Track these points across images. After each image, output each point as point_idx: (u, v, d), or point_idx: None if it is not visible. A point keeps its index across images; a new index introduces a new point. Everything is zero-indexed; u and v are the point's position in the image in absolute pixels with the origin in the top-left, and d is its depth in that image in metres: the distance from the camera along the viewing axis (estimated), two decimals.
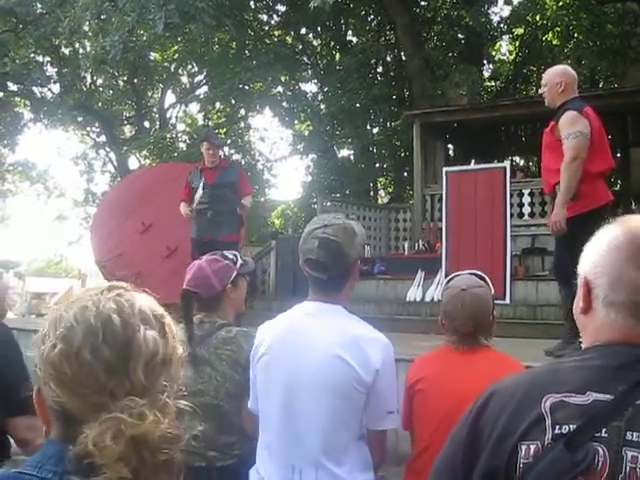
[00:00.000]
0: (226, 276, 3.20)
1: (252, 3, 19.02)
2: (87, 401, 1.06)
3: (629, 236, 1.37)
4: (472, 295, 2.90)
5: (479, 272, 3.10)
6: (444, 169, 11.55)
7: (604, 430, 1.22)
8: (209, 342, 3.05)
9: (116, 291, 1.16)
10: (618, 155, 14.42)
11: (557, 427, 1.25)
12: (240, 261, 3.30)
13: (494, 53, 21.57)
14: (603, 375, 1.29)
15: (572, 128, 5.10)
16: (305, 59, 21.40)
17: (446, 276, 10.19)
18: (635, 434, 1.21)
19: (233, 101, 20.55)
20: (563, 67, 5.67)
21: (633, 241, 1.36)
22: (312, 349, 2.43)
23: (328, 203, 12.85)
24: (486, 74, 20.57)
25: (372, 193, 20.84)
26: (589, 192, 5.11)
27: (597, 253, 1.40)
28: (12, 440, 2.78)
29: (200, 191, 7.68)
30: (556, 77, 5.43)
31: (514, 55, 21.39)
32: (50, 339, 1.10)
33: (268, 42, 20.30)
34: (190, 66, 23.86)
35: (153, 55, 22.12)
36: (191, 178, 7.89)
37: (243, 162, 22.69)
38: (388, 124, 20.19)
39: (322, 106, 19.87)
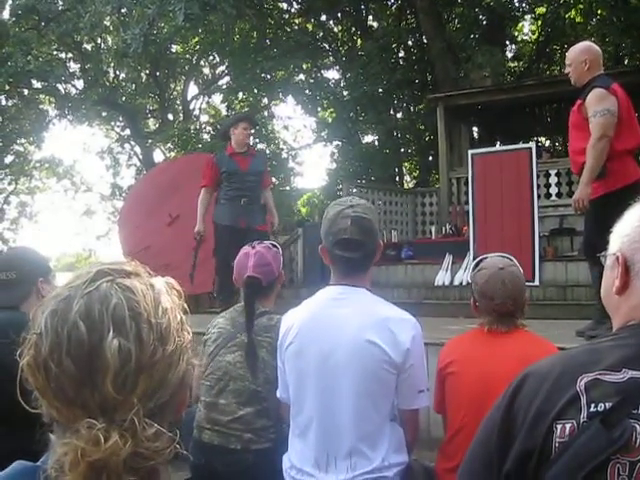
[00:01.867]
0: (279, 263, 3.33)
1: None
2: (62, 414, 1.01)
3: None
4: (510, 274, 2.92)
5: (506, 254, 3.10)
6: (469, 152, 11.49)
7: None
8: (253, 328, 3.10)
9: (98, 282, 1.05)
10: None
11: (592, 405, 1.24)
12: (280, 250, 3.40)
13: (516, 33, 21.31)
14: (639, 352, 1.28)
15: (599, 106, 5.01)
16: (326, 46, 21.30)
17: (474, 259, 10.16)
18: None
19: (255, 90, 20.54)
20: (587, 44, 5.56)
21: None
22: (341, 334, 2.44)
23: (354, 189, 12.81)
24: (509, 55, 20.37)
25: (397, 178, 20.72)
26: (618, 170, 5.02)
27: (632, 229, 1.39)
28: None
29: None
30: (580, 55, 5.32)
31: (537, 34, 21.12)
32: (26, 343, 1.03)
33: (289, 30, 20.25)
34: (211, 57, 23.86)
35: (174, 47, 22.18)
36: (218, 162, 7.52)
37: (268, 151, 22.73)
38: (412, 108, 20.08)
39: (345, 92, 19.78)
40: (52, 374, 1.00)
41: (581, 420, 1.23)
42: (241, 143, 7.47)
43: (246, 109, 22.26)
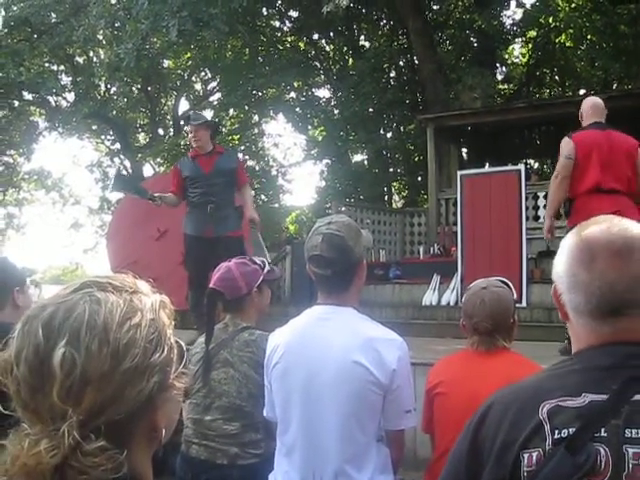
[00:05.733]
0: (253, 280, 3.24)
1: (265, 9, 19.06)
2: (24, 418, 1.02)
3: (578, 239, 1.40)
4: (492, 293, 2.91)
5: (503, 279, 3.11)
6: (458, 173, 11.55)
7: (603, 430, 1.23)
8: (232, 344, 3.10)
9: (76, 293, 1.07)
10: None
11: (556, 432, 1.26)
12: (267, 267, 3.34)
13: (507, 56, 21.50)
14: (596, 376, 1.31)
15: (561, 152, 5.81)
16: (318, 64, 21.43)
17: (462, 280, 10.22)
18: (634, 431, 1.22)
19: (246, 107, 20.64)
20: (586, 99, 6.24)
21: (581, 243, 1.39)
22: (327, 354, 2.41)
23: (342, 208, 12.83)
24: (499, 77, 20.53)
25: (386, 198, 20.77)
26: (580, 207, 5.66)
27: (558, 260, 1.44)
28: None
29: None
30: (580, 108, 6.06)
31: (527, 58, 21.33)
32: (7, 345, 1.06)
33: (281, 48, 20.39)
34: (203, 73, 23.96)
35: (167, 62, 22.23)
36: (181, 167, 7.07)
37: (257, 168, 22.73)
38: (401, 128, 20.19)
39: (335, 111, 19.89)
40: (13, 377, 1.02)
41: (547, 448, 1.25)
42: (198, 146, 6.99)
43: (237, 126, 22.29)
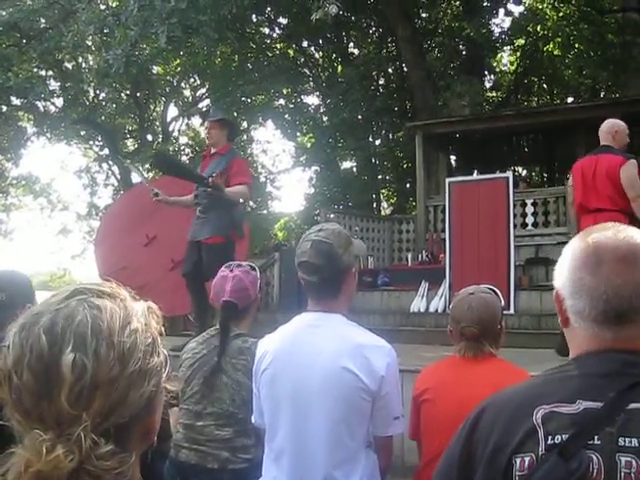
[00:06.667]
0: (257, 286, 3.32)
1: (254, 16, 19.03)
2: (23, 427, 1.01)
3: (584, 244, 1.41)
4: (479, 299, 2.95)
5: (491, 286, 3.13)
6: (447, 180, 11.57)
7: (597, 437, 1.23)
8: (225, 352, 3.09)
9: (70, 300, 1.07)
10: None
11: (550, 438, 1.26)
12: (257, 272, 3.39)
13: (495, 64, 21.54)
14: (591, 383, 1.31)
15: None
16: (307, 71, 21.45)
17: (450, 286, 10.24)
18: (628, 439, 1.22)
19: (235, 114, 20.58)
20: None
21: (587, 248, 1.39)
22: (316, 361, 2.42)
23: (331, 215, 12.86)
24: (487, 85, 20.58)
25: (375, 204, 20.78)
26: (578, 222, 6.42)
27: (562, 265, 1.44)
28: None
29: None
30: None
31: (515, 66, 21.42)
32: None
33: (270, 55, 20.37)
34: (192, 79, 23.91)
35: (156, 69, 22.15)
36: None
37: None
38: (390, 136, 20.21)
39: (324, 118, 19.90)
40: (13, 386, 1.01)
41: (539, 453, 1.25)
42: (210, 144, 6.97)
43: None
